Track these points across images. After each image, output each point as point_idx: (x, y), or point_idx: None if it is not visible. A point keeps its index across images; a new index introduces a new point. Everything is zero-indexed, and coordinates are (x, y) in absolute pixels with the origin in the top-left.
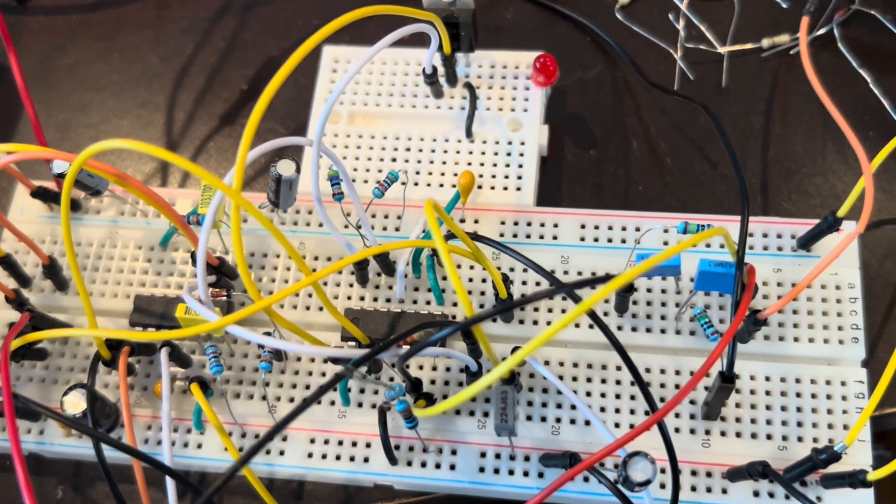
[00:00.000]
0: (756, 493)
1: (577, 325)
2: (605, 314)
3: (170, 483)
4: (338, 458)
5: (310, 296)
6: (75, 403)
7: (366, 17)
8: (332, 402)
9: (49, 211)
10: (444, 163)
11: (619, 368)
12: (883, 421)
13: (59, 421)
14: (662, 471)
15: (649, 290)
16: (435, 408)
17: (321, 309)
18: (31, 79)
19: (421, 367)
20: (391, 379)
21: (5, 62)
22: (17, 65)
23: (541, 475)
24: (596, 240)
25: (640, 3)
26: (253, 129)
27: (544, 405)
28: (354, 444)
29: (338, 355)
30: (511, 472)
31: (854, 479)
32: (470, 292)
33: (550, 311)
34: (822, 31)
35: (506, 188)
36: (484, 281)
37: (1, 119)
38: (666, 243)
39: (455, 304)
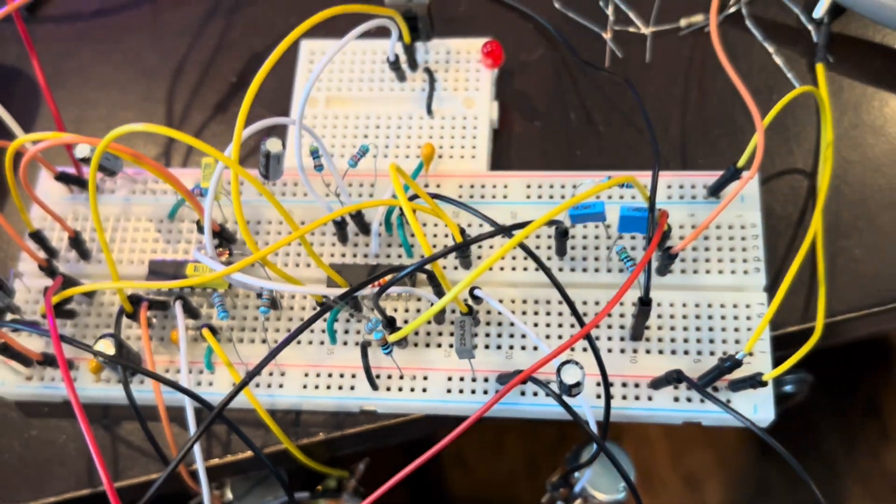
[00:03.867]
0: (676, 399)
1: (525, 269)
2: (549, 258)
3: (189, 407)
4: (328, 387)
5: (298, 255)
6: (106, 349)
7: (337, 15)
8: (322, 343)
9: (69, 193)
10: (408, 137)
11: (560, 303)
12: (786, 341)
13: (98, 356)
14: (598, 384)
15: (585, 237)
16: (402, 331)
17: (309, 266)
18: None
19: (395, 310)
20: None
21: (21, 66)
22: (39, 66)
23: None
24: (540, 196)
25: None
26: (246, 110)
27: (499, 336)
28: (342, 375)
29: (324, 293)
30: (473, 392)
31: (753, 381)
32: (434, 245)
33: (503, 258)
34: (732, 10)
35: (462, 157)
36: (447, 236)
37: (22, 116)
38: (598, 196)
39: (423, 257)
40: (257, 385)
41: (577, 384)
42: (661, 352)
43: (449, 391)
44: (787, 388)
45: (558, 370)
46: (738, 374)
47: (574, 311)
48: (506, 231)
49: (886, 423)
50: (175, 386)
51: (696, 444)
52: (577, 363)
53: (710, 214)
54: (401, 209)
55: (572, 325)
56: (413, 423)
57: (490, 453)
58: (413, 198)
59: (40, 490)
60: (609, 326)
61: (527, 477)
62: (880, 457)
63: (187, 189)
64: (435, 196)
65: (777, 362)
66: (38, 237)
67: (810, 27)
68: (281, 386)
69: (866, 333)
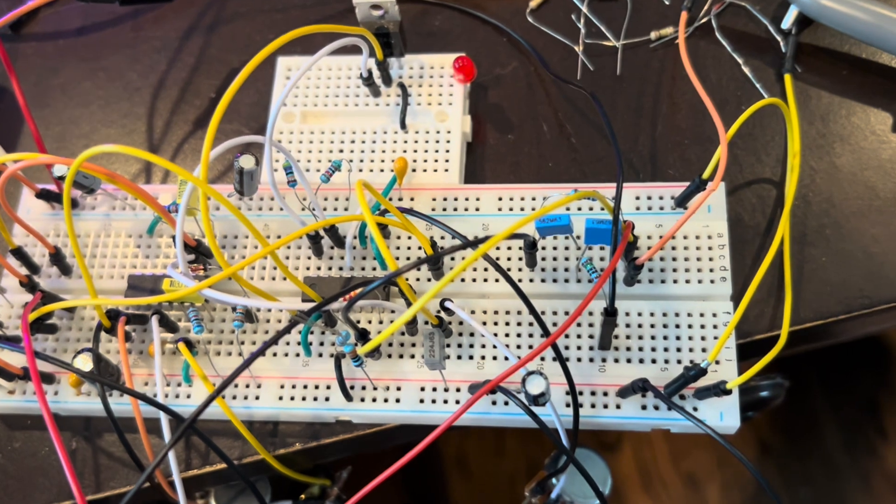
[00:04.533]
0: (644, 407)
1: (496, 280)
2: (520, 269)
3: (164, 420)
4: (304, 399)
5: (274, 268)
6: (84, 364)
7: (312, 33)
8: (297, 354)
9: (51, 209)
10: (383, 151)
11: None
12: (753, 349)
13: (73, 372)
14: (567, 393)
15: (555, 248)
16: (370, 343)
17: (285, 279)
18: (28, 98)
19: (370, 322)
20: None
21: (6, 84)
22: (18, 86)
23: None
24: (511, 209)
25: (548, 6)
26: (213, 131)
27: (471, 346)
28: (317, 387)
29: (293, 307)
30: (445, 402)
31: (718, 389)
32: (408, 258)
33: (475, 269)
34: (702, 22)
35: (436, 170)
36: (419, 248)
37: (4, 134)
38: (568, 209)
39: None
40: (234, 397)
41: (542, 394)
42: (629, 360)
43: (422, 401)
44: (764, 393)
45: (523, 381)
46: (703, 382)
47: (540, 322)
48: (471, 244)
49: (886, 422)
50: (147, 399)
51: (696, 445)
52: (541, 374)
53: (674, 225)
54: None
55: (542, 336)
56: (388, 433)
57: (491, 455)
58: (384, 213)
59: (23, 501)
60: (578, 336)
61: (528, 478)
62: (880, 456)
63: (161, 206)
64: (405, 210)
65: (743, 370)
66: (19, 254)
67: (779, 38)
68: (258, 398)
69: (847, 338)
